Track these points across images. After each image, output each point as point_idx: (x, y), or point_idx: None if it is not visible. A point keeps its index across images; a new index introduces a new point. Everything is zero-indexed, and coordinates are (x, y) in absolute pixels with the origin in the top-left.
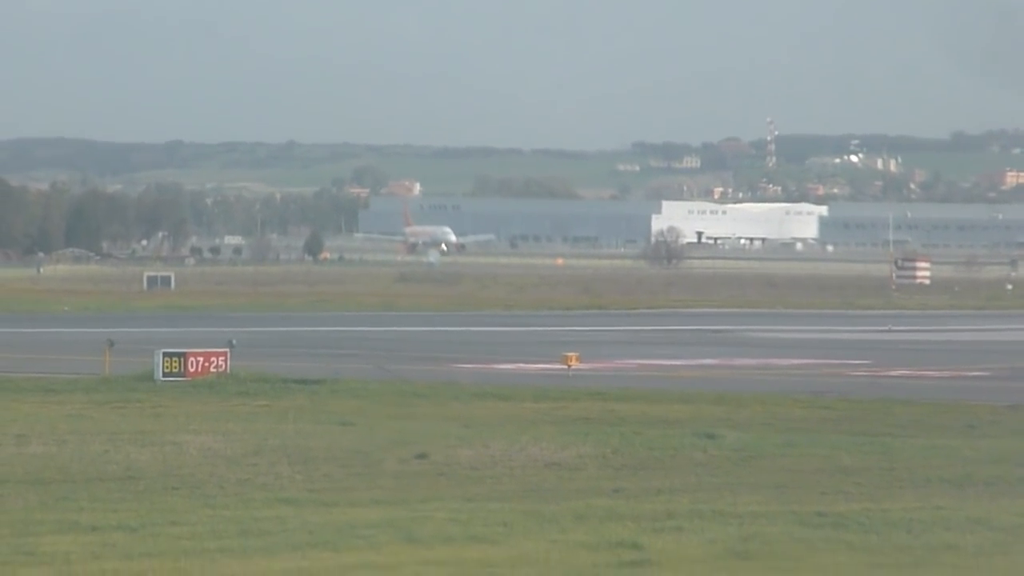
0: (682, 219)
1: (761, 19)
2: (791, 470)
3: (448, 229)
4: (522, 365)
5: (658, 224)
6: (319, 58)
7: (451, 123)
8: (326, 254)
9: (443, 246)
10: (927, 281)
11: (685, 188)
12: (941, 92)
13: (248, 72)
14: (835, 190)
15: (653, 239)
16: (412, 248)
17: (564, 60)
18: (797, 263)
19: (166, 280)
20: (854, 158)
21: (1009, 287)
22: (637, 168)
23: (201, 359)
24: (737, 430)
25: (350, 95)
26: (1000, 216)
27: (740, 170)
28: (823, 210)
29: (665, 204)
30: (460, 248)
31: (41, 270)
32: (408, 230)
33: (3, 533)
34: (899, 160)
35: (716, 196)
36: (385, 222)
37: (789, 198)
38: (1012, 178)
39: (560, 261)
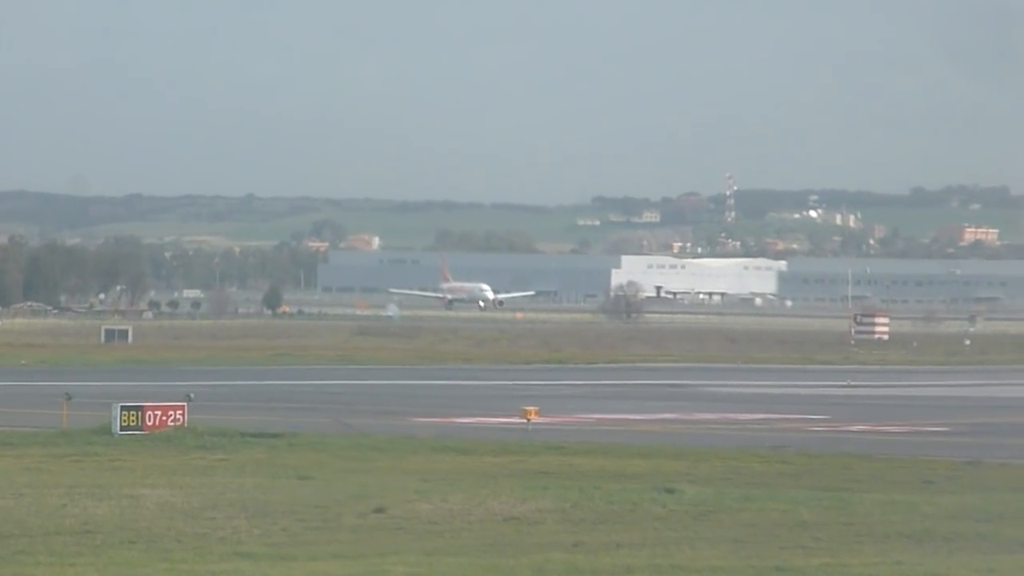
0: (641, 273)
1: (720, 75)
2: (750, 525)
3: (486, 286)
4: (481, 419)
5: (618, 278)
6: (278, 112)
7: (411, 177)
8: (285, 308)
9: (480, 303)
10: (886, 336)
11: (645, 243)
12: (900, 148)
13: (207, 125)
14: (794, 245)
15: (613, 293)
16: (449, 304)
17: (525, 114)
18: (756, 318)
19: (123, 334)
20: (813, 213)
21: (967, 342)
22: (597, 222)
23: (159, 413)
24: (696, 485)
25: (309, 148)
26: (958, 271)
27: (699, 225)
28: (782, 265)
29: (625, 258)
30: (499, 304)
31: None
32: (446, 286)
33: None
34: (858, 215)
35: (675, 251)
36: (344, 276)
37: (748, 253)
38: (971, 234)
39: (519, 315)
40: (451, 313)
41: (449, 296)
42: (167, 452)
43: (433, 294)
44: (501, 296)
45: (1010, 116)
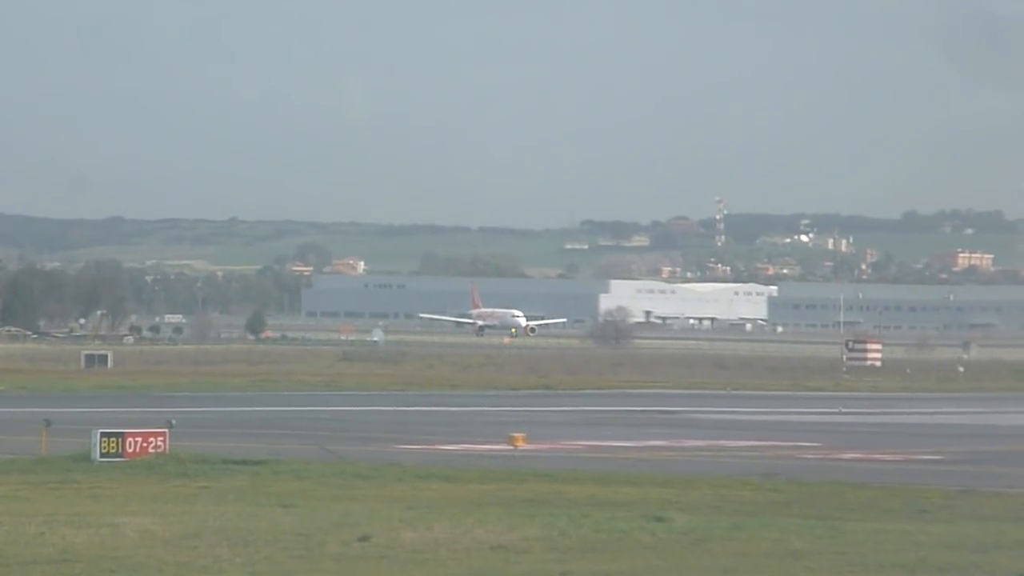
0: (630, 298)
1: (710, 97)
2: (740, 553)
3: (518, 312)
4: (468, 446)
5: (606, 303)
6: (261, 134)
7: (397, 200)
8: (268, 333)
9: (513, 330)
10: (878, 363)
11: (634, 267)
12: (893, 172)
13: (190, 148)
14: (785, 270)
15: (601, 318)
16: (480, 331)
17: (512, 137)
18: (746, 343)
19: (103, 359)
20: (804, 238)
21: (961, 369)
22: (585, 246)
23: (140, 439)
24: (686, 512)
25: (294, 172)
26: (952, 297)
27: (689, 249)
28: (773, 290)
29: (613, 283)
30: (531, 332)
31: None
32: (475, 312)
33: None
34: (850, 240)
35: (665, 275)
36: (329, 300)
37: (738, 278)
38: (964, 259)
39: (507, 340)
40: (436, 338)
41: (480, 322)
42: (148, 479)
43: (463, 320)
44: (533, 323)
45: (1004, 139)
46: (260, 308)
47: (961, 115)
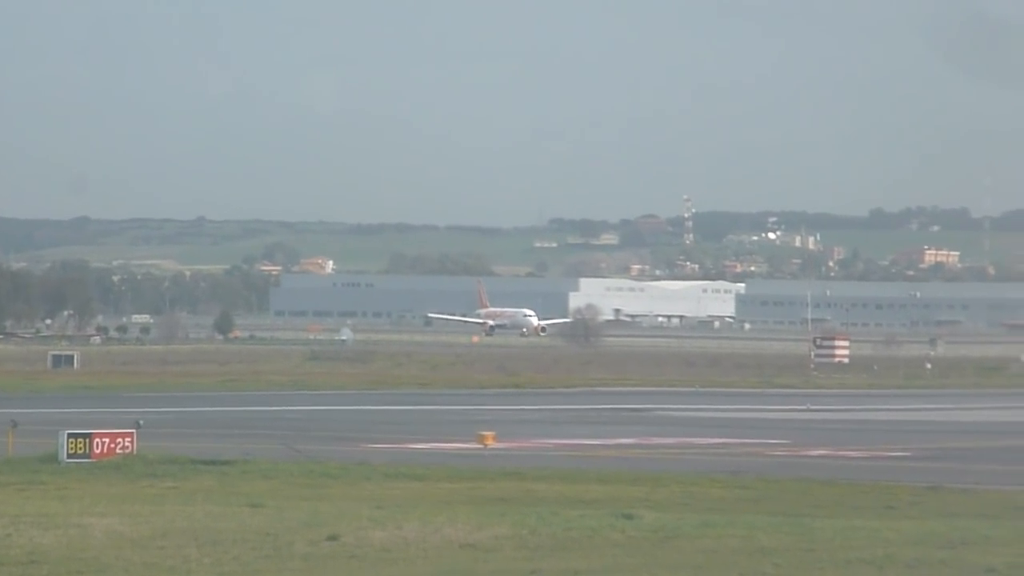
0: (600, 296)
1: (677, 96)
2: (709, 551)
3: (530, 312)
4: (437, 444)
5: (575, 301)
6: (229, 133)
7: (365, 199)
8: (236, 332)
9: (524, 329)
10: (846, 360)
11: (603, 265)
12: (859, 170)
13: (156, 147)
14: (753, 268)
15: (571, 317)
16: (491, 331)
17: (480, 136)
18: (715, 341)
19: (70, 359)
20: (772, 235)
21: (928, 366)
22: (554, 245)
23: (107, 440)
24: (655, 510)
25: (261, 171)
26: (918, 294)
27: (658, 247)
28: (741, 288)
29: (583, 281)
30: (542, 331)
31: None
32: (484, 312)
33: None
34: (817, 237)
35: (634, 273)
36: (297, 300)
37: (707, 275)
38: (931, 256)
39: (476, 339)
40: (405, 336)
41: (491, 322)
42: (115, 480)
43: (472, 319)
44: (544, 323)
45: (970, 137)
46: (228, 308)
47: (926, 113)
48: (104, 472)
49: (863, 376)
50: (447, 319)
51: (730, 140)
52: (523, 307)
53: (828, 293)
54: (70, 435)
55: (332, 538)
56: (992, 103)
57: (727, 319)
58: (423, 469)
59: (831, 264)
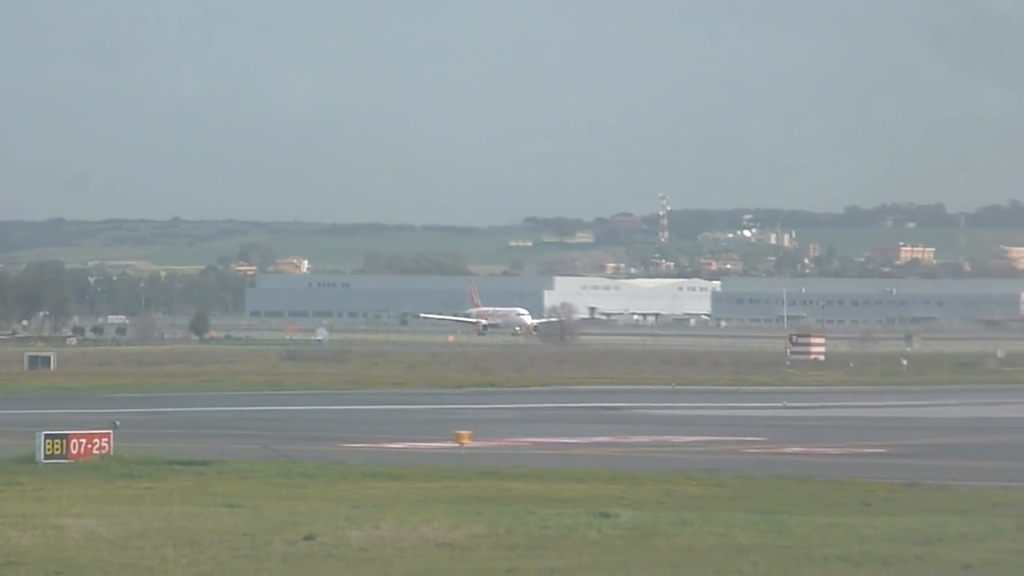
0: (575, 295)
1: (651, 93)
2: (686, 549)
3: (523, 311)
4: (413, 444)
5: (551, 300)
6: (204, 133)
7: (340, 199)
8: (212, 333)
9: (517, 328)
10: (822, 357)
11: (578, 263)
12: (834, 167)
13: (131, 147)
14: (728, 265)
15: (546, 315)
16: (483, 330)
17: (455, 135)
18: (691, 339)
19: (46, 360)
20: (747, 233)
21: (904, 362)
22: (529, 243)
23: (84, 441)
24: (631, 508)
25: (236, 171)
26: (894, 291)
27: (633, 245)
28: (716, 285)
29: (558, 280)
30: (534, 331)
31: None
32: (476, 311)
33: None
34: (792, 235)
35: (609, 271)
36: (273, 300)
37: (682, 273)
38: (906, 252)
39: (451, 338)
40: (381, 336)
41: (483, 321)
42: (92, 481)
43: (464, 319)
44: (536, 322)
45: (945, 134)
46: (204, 308)
47: (901, 110)
48: (81, 473)
49: (839, 373)
50: (439, 319)
51: (705, 138)
52: (508, 306)
53: (804, 290)
54: (47, 436)
55: (309, 538)
56: (967, 99)
57: (703, 317)
58: (400, 468)
59: (807, 261)
